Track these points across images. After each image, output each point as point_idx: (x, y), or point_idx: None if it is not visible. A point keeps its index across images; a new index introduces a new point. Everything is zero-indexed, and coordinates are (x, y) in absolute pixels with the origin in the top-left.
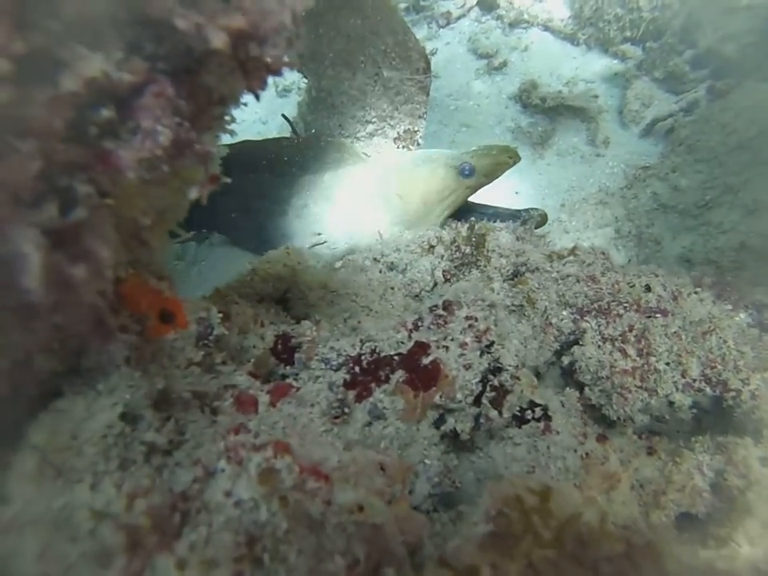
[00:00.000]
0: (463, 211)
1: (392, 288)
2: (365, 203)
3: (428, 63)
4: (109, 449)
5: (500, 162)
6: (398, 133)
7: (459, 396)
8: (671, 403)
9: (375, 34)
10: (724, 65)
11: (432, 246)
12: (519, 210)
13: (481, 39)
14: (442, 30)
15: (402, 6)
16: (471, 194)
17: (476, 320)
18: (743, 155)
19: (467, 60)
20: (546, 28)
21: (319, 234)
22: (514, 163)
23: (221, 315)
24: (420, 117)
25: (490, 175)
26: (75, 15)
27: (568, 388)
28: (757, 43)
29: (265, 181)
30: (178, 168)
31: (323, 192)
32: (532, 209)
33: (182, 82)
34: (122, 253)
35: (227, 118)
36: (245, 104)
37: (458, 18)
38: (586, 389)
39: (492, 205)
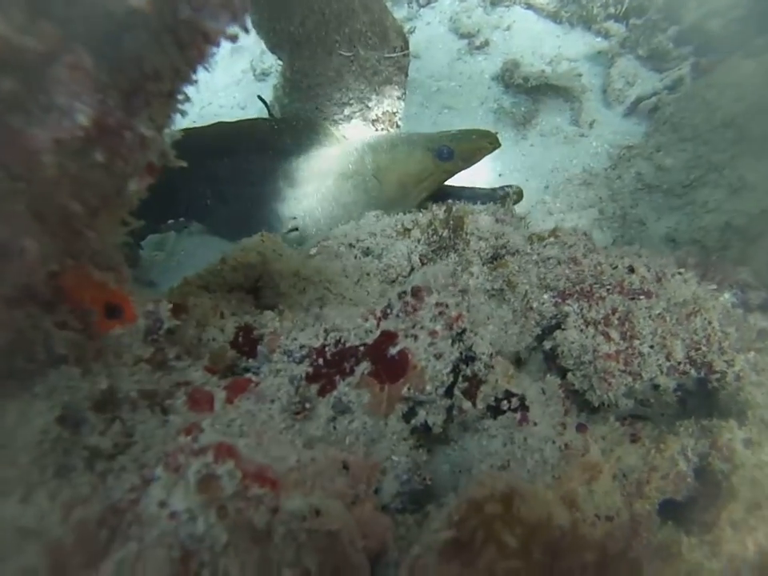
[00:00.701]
0: (440, 195)
1: (367, 274)
2: (342, 186)
3: (406, 42)
4: (44, 456)
5: (479, 147)
6: (377, 115)
7: (429, 387)
8: (656, 386)
9: (351, 12)
10: (708, 41)
11: (408, 230)
12: (495, 189)
13: (462, 18)
14: (422, 9)
15: None
16: (449, 178)
17: (447, 306)
18: (728, 133)
19: (448, 40)
20: (529, 6)
21: (294, 219)
22: (494, 149)
23: (171, 307)
24: (399, 98)
25: (469, 160)
26: None
27: (549, 374)
28: (742, 18)
29: (239, 165)
30: (110, 153)
31: (299, 175)
32: (507, 186)
33: (104, 53)
34: (51, 243)
35: (180, 96)
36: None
37: None
38: (569, 374)
39: (468, 186)
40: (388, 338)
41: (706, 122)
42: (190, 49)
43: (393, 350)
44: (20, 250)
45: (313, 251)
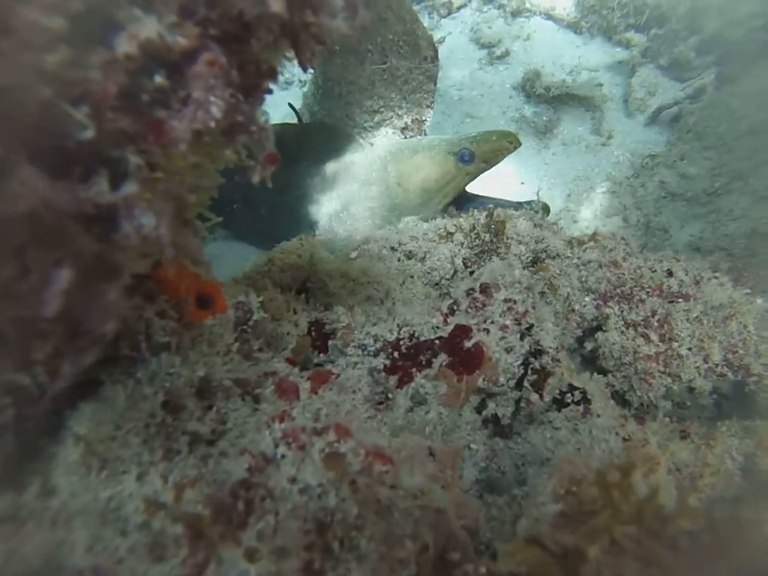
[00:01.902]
0: (464, 201)
1: (411, 276)
2: (366, 192)
3: (436, 52)
4: (152, 438)
5: (500, 147)
6: (406, 122)
7: (502, 379)
8: (691, 389)
9: (383, 22)
10: (730, 50)
11: (450, 234)
12: (521, 203)
13: (483, 29)
14: (443, 19)
15: None
16: (471, 181)
17: (515, 302)
18: (753, 141)
19: (470, 50)
20: (549, 17)
21: (317, 224)
22: (515, 149)
23: (260, 300)
24: (428, 106)
25: (490, 161)
26: None
27: (596, 374)
28: (763, 28)
29: None
30: (231, 144)
31: (324, 181)
32: (533, 201)
33: (233, 51)
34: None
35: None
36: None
37: (460, 7)
38: (609, 375)
39: (492, 197)
40: (462, 331)
41: (731, 130)
42: (305, 49)
43: (468, 343)
44: (158, 239)
45: (354, 254)
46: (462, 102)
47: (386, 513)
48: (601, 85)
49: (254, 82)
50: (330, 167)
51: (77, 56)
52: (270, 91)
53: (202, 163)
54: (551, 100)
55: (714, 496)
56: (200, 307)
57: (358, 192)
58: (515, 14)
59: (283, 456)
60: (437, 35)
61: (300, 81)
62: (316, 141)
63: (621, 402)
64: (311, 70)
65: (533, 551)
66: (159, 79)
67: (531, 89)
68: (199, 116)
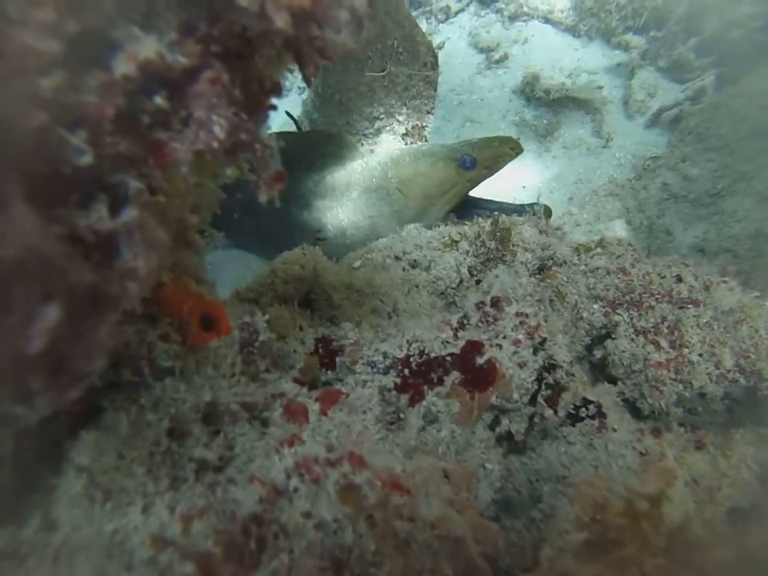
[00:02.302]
0: (466, 206)
1: (416, 286)
2: (367, 199)
3: (436, 57)
4: (158, 467)
5: (502, 153)
6: (407, 129)
7: (516, 396)
8: (702, 395)
9: (383, 28)
10: (730, 51)
11: (455, 242)
12: (523, 205)
13: (481, 33)
14: (441, 24)
15: None
16: (473, 187)
17: (527, 316)
18: (756, 142)
19: (468, 54)
20: (547, 20)
21: (320, 232)
22: (516, 155)
23: (266, 319)
24: (428, 112)
25: (492, 167)
26: None
27: (606, 383)
28: (762, 28)
29: None
30: (233, 162)
31: (324, 188)
32: (535, 204)
33: (236, 68)
34: (167, 256)
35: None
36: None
37: (457, 12)
38: (619, 383)
39: (495, 200)
40: (474, 347)
41: (733, 131)
42: (309, 64)
43: (480, 360)
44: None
45: (357, 264)
46: (461, 107)
47: (405, 547)
48: (601, 87)
49: (257, 99)
50: (331, 175)
51: (73, 79)
52: (275, 107)
53: (203, 183)
54: (551, 103)
55: (733, 507)
56: (204, 329)
57: (359, 199)
58: (513, 17)
59: (296, 489)
60: (436, 40)
61: (299, 88)
62: (316, 148)
63: (631, 411)
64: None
65: None
66: (159, 100)
67: (531, 92)
68: (201, 136)
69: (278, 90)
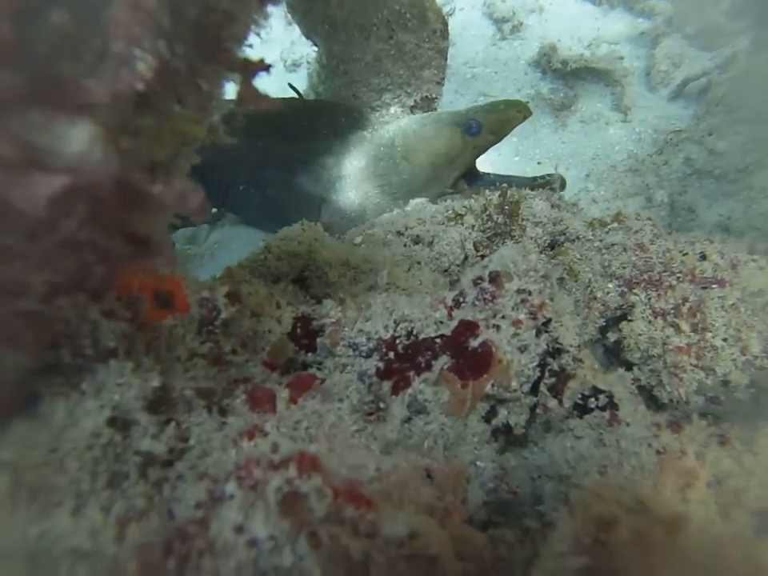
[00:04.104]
0: (475, 180)
1: (418, 263)
2: (374, 169)
3: (446, 25)
4: (96, 462)
5: (508, 117)
6: (416, 100)
7: (515, 384)
8: (726, 383)
9: None
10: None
11: (460, 216)
12: (535, 177)
13: (496, 2)
14: None
15: None
16: (481, 154)
17: (529, 294)
18: None
19: (483, 25)
20: None
21: (324, 202)
22: (524, 118)
23: (228, 295)
24: (438, 83)
25: (498, 132)
26: None
27: (621, 368)
28: None
29: (272, 147)
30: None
31: (332, 159)
32: (548, 174)
33: None
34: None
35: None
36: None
37: None
38: (635, 368)
39: (506, 174)
40: (467, 328)
41: (766, 101)
42: None
43: (474, 342)
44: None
45: (358, 240)
46: (475, 80)
47: (359, 570)
48: (622, 58)
49: (207, 37)
50: (338, 144)
51: None
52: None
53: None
54: (568, 75)
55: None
56: (160, 306)
57: (366, 169)
58: None
59: (231, 496)
60: (446, 8)
61: (308, 63)
62: (324, 117)
63: (648, 399)
64: (315, 48)
65: None
66: (57, 15)
67: (547, 64)
68: (122, 74)
69: (237, 31)
